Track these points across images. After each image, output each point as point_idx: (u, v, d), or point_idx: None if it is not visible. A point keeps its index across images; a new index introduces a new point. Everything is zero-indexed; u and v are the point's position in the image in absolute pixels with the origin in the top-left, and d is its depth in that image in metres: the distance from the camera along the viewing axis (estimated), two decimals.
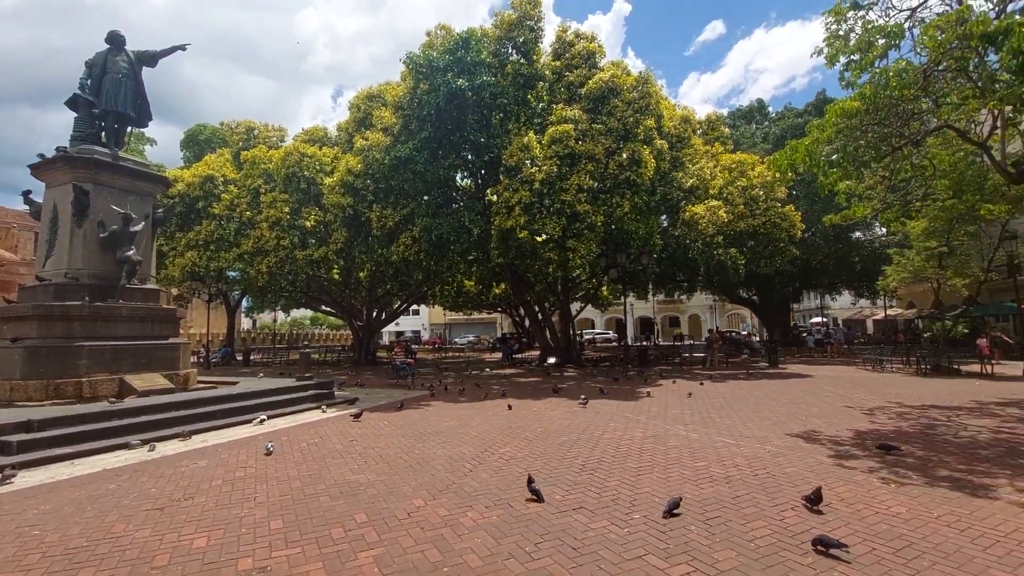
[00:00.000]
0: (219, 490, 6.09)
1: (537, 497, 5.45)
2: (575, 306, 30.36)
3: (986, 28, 8.17)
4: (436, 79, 17.56)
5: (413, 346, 38.04)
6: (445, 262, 21.62)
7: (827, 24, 12.46)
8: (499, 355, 32.87)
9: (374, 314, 32.28)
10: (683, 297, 51.24)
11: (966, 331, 25.11)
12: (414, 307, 54.49)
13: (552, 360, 24.04)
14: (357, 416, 10.73)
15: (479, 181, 22.73)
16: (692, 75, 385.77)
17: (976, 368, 17.83)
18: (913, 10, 12.83)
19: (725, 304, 56.01)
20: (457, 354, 39.76)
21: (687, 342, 42.15)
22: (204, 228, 24.62)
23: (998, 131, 11.60)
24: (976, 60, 9.22)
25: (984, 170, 13.95)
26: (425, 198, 20.97)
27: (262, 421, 10.44)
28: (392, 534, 4.66)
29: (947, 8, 11.29)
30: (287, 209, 23.29)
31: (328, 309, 34.97)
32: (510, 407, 11.64)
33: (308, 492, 5.95)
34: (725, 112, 38.73)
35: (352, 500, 5.63)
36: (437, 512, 5.19)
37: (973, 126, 12.24)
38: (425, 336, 68.71)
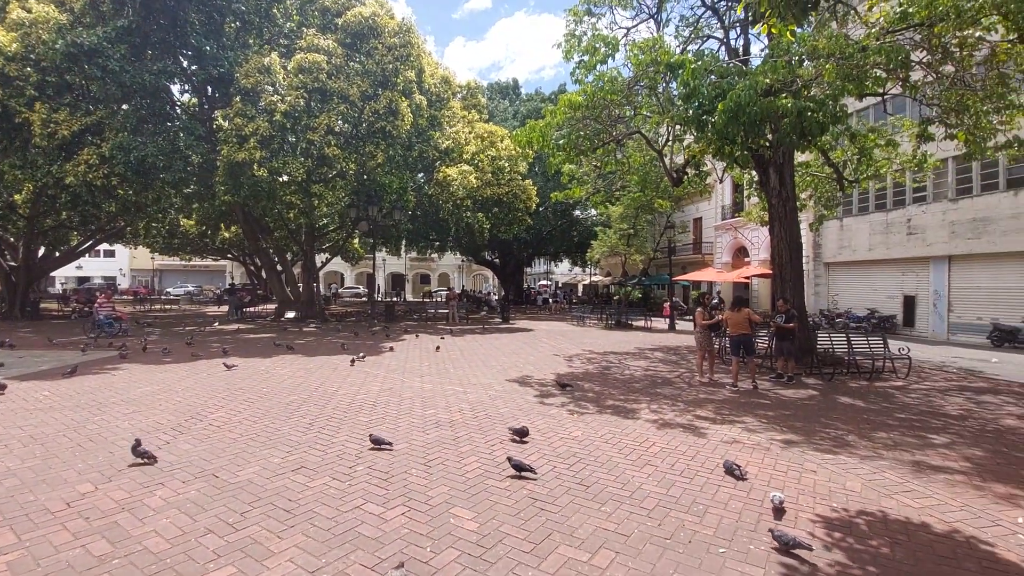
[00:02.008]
0: None
1: (146, 459, 4.99)
2: (321, 257, 28.44)
3: (669, 59, 10.38)
4: None
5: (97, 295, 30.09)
6: (151, 193, 17.39)
7: (567, 22, 14.09)
8: (226, 309, 28.69)
9: (40, 252, 24.26)
10: (435, 255, 53.47)
11: (639, 295, 32.80)
12: (106, 247, 42.98)
13: (291, 315, 22.18)
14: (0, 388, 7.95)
15: (204, 100, 18.85)
16: (459, 39, 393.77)
17: (642, 323, 23.51)
18: (628, 30, 15.55)
19: (472, 265, 60.53)
20: (169, 307, 33.21)
21: (436, 298, 44.23)
22: None
23: (671, 143, 15.11)
24: (663, 84, 11.61)
25: (660, 173, 18.09)
26: (124, 107, 16.39)
27: None
28: (40, 532, 3.64)
29: (650, 35, 13.99)
30: None
31: None
32: (227, 366, 10.17)
33: None
34: (485, 84, 40.78)
35: None
36: (112, 497, 4.26)
37: (658, 137, 15.59)
38: (124, 284, 55.21)
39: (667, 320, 23.17)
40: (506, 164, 24.33)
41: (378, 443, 5.50)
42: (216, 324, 20.53)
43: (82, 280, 52.18)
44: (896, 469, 5.15)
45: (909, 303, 20.04)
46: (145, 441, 5.63)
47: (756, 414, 7.33)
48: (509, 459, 4.85)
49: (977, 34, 9.08)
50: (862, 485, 4.72)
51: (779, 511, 4.08)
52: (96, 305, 16.46)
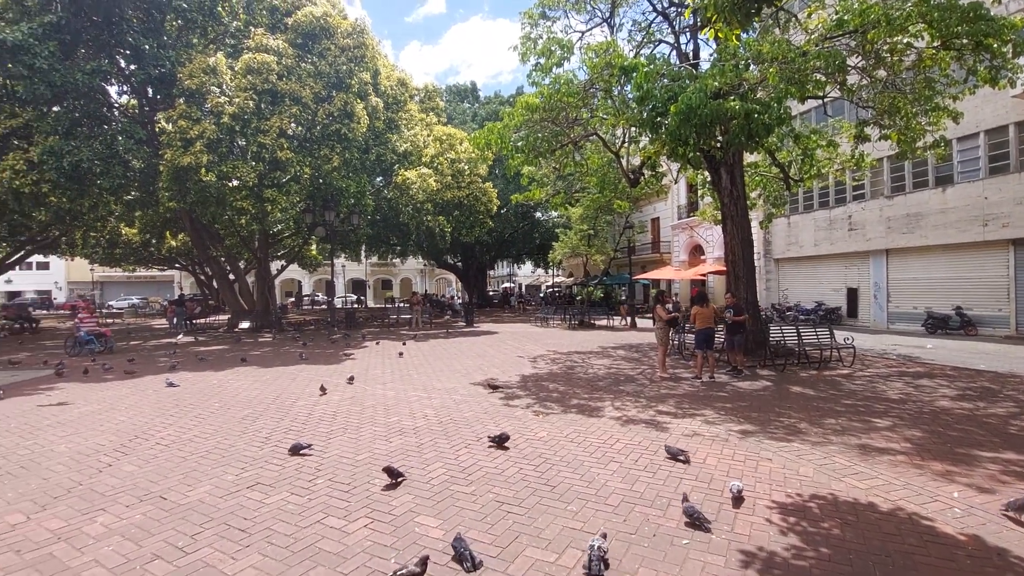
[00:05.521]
0: None
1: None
2: (276, 265, 27.51)
3: (623, 63, 10.57)
4: None
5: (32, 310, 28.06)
6: (87, 200, 16.29)
7: (522, 24, 14.16)
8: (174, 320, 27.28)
9: None
10: (396, 260, 52.66)
11: (601, 295, 33.24)
12: (39, 258, 40.30)
13: (245, 325, 21.36)
14: None
15: (144, 102, 17.92)
16: (415, 43, 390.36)
17: (604, 322, 23.84)
18: (582, 34, 15.74)
19: (434, 269, 59.91)
20: (112, 321, 31.40)
21: (398, 304, 43.52)
22: None
23: (627, 145, 15.38)
24: (618, 87, 11.78)
25: (618, 174, 18.42)
26: (55, 109, 15.42)
27: None
28: None
29: (604, 39, 14.22)
30: None
31: None
32: (170, 384, 9.43)
33: None
34: (443, 87, 40.54)
35: None
36: (47, 526, 3.97)
37: (614, 139, 15.85)
38: (61, 298, 51.82)
39: (626, 319, 23.59)
40: (466, 167, 24.20)
41: (296, 450, 5.54)
42: (180, 337, 19.48)
43: (12, 295, 48.63)
44: (844, 453, 5.39)
45: (852, 295, 21.14)
46: (81, 466, 5.29)
47: (715, 407, 7.53)
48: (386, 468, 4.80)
49: (905, 40, 9.66)
50: (814, 470, 4.92)
51: (738, 500, 4.20)
52: (77, 320, 15.10)
